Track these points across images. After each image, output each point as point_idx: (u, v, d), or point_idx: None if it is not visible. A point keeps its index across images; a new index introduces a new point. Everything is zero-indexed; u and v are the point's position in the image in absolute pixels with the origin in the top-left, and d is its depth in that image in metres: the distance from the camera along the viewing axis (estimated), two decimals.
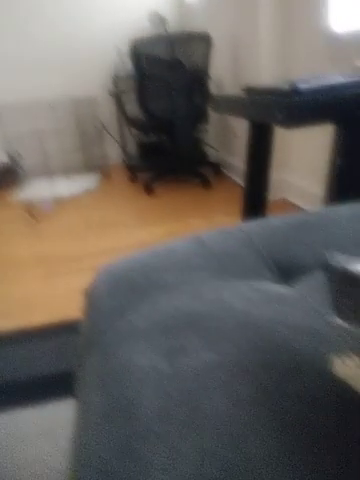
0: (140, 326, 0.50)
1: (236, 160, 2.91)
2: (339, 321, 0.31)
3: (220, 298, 0.50)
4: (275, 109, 0.96)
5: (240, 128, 2.66)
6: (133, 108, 3.00)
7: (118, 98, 3.18)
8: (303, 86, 0.94)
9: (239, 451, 0.31)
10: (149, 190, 2.82)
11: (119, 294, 0.59)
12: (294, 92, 0.94)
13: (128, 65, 2.93)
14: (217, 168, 3.12)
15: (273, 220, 0.67)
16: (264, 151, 1.53)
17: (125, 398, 0.40)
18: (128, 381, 0.42)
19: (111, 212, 2.56)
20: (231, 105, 1.32)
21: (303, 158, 2.26)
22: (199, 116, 2.83)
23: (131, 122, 3.04)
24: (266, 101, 1.02)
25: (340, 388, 0.35)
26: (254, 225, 0.66)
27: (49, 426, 1.10)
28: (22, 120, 3.31)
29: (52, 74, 3.37)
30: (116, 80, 3.28)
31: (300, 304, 0.47)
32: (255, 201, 1.69)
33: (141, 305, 0.54)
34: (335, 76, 1.03)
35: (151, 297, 0.55)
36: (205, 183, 2.86)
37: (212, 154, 3.28)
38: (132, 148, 3.49)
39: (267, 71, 2.22)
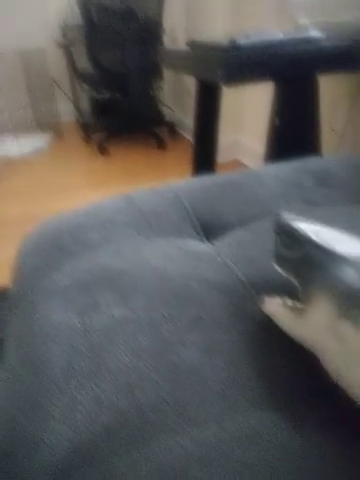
0: (60, 284, 0.50)
1: (192, 120, 2.87)
2: (278, 268, 0.36)
3: (140, 255, 0.50)
4: (215, 65, 0.95)
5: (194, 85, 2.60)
6: (85, 61, 2.85)
7: (68, 50, 3.00)
8: (242, 42, 0.92)
9: (133, 400, 0.32)
10: (103, 150, 2.74)
11: (45, 253, 0.59)
12: (233, 47, 0.92)
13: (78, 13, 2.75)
14: (172, 128, 3.07)
15: (203, 179, 0.67)
16: (212, 110, 1.52)
17: (36, 355, 0.40)
18: (41, 338, 0.42)
19: (63, 173, 2.48)
20: (176, 60, 1.28)
21: (255, 120, 2.25)
22: (153, 72, 2.73)
23: (81, 76, 2.89)
24: (207, 57, 1.00)
25: (237, 338, 0.37)
26: (184, 184, 0.66)
27: None
28: None
29: None
30: (65, 30, 3.08)
31: (216, 260, 0.49)
32: (205, 161, 1.69)
33: (65, 263, 0.54)
34: (276, 33, 1.02)
35: (75, 255, 0.54)
36: (160, 143, 2.81)
37: (168, 113, 3.21)
38: (85, 105, 3.34)
39: (219, 25, 2.16)
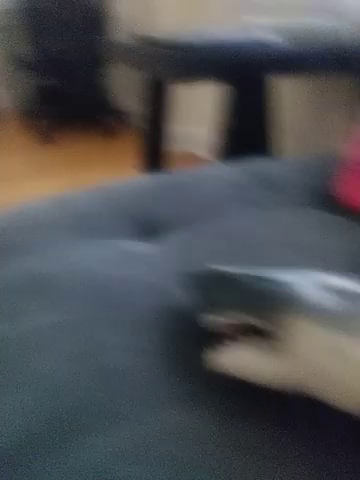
0: None
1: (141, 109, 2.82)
2: (212, 317, 0.34)
3: (71, 259, 0.49)
4: (162, 63, 0.93)
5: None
6: (24, 47, 2.70)
7: (7, 35, 2.83)
8: (190, 41, 0.91)
9: (57, 403, 0.32)
10: (46, 139, 2.63)
11: None
12: (182, 46, 0.90)
13: None
14: (122, 116, 2.99)
15: (142, 179, 0.66)
16: (161, 103, 1.49)
17: None
18: None
19: (4, 162, 2.35)
20: (123, 54, 1.24)
21: (207, 111, 2.25)
22: (98, 59, 2.64)
23: (20, 62, 2.75)
24: (154, 53, 0.98)
25: (171, 341, 0.36)
26: (120, 185, 0.64)
27: None
28: None
29: None
30: (3, 14, 2.90)
31: (154, 262, 0.48)
32: (154, 154, 1.66)
33: None
34: (226, 33, 1.00)
35: (1, 260, 0.51)
36: (108, 132, 2.75)
37: (116, 101, 3.13)
38: (27, 92, 3.18)
39: (167, 18, 2.13)
